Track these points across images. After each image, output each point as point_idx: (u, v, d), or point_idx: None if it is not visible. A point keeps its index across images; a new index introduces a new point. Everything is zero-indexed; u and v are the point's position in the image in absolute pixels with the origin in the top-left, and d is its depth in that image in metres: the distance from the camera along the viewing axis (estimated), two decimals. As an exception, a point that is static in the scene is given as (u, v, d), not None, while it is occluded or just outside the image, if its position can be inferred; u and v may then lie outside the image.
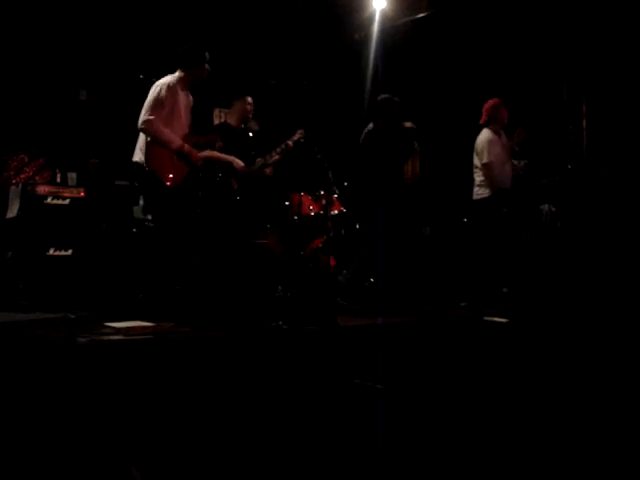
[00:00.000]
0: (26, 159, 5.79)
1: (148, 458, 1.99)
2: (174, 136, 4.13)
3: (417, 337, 3.98)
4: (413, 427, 2.35)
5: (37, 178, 5.75)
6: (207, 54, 4.27)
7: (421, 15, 6.88)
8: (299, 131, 5.01)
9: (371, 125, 5.08)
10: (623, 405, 2.64)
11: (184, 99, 4.27)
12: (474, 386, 2.98)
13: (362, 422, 2.37)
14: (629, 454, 2.08)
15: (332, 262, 4.97)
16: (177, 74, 4.23)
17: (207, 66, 4.28)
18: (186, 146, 4.19)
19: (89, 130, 6.04)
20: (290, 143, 4.99)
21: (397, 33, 7.10)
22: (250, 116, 5.10)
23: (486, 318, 4.42)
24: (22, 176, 5.72)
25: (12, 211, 5.30)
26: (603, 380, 3.05)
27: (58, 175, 5.80)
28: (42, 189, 5.37)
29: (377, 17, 6.86)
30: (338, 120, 7.27)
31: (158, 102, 4.04)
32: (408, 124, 5.06)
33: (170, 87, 4.10)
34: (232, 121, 5.11)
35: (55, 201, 5.40)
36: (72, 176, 5.79)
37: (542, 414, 2.51)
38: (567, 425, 2.40)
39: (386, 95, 5.15)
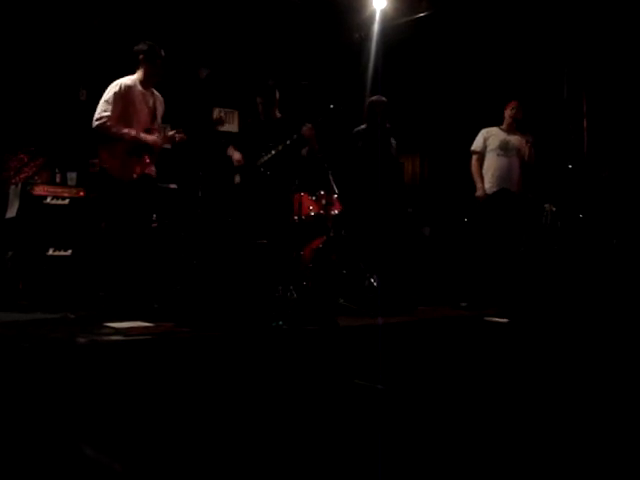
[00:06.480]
0: (26, 159, 5.78)
1: (148, 458, 1.99)
2: (127, 129, 4.31)
3: (417, 337, 3.98)
4: (413, 427, 2.35)
5: (37, 178, 5.74)
6: (162, 52, 4.47)
7: (421, 15, 6.88)
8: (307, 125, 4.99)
9: (363, 126, 5.32)
10: (623, 405, 2.64)
11: (141, 96, 4.44)
12: (474, 386, 2.98)
13: (362, 422, 2.36)
14: (629, 454, 2.08)
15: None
16: (136, 73, 4.48)
17: (160, 64, 4.47)
18: (141, 135, 4.38)
19: (89, 130, 6.02)
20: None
21: (397, 33, 7.10)
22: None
23: (486, 318, 4.42)
24: (22, 176, 5.71)
25: (12, 211, 5.30)
26: (604, 380, 3.05)
27: (58, 175, 5.79)
28: (42, 189, 5.37)
29: (377, 17, 6.87)
30: (338, 120, 7.26)
31: (107, 102, 4.30)
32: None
33: (120, 87, 4.33)
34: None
35: (55, 201, 5.40)
36: (72, 176, 5.79)
37: (542, 414, 2.51)
38: (567, 425, 2.40)
39: (378, 97, 5.37)
